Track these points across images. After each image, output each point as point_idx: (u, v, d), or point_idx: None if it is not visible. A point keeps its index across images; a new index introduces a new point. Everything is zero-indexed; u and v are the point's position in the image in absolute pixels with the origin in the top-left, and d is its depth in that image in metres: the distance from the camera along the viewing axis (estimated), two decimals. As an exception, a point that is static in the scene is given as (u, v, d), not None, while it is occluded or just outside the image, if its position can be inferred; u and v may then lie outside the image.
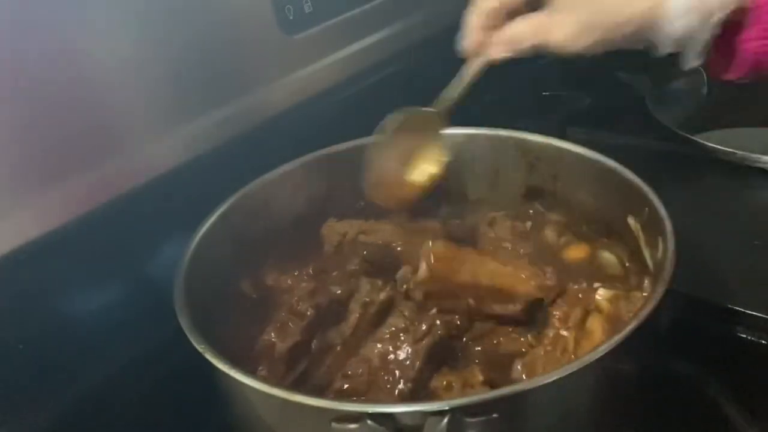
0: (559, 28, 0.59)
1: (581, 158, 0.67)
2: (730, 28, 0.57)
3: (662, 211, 0.57)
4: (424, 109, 0.67)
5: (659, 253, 0.56)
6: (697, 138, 0.85)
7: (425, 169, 0.69)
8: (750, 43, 0.56)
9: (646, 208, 0.59)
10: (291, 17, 0.73)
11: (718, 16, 0.56)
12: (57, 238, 0.57)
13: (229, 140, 0.69)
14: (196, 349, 0.50)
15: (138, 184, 0.62)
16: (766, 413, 0.60)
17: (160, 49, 0.63)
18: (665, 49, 0.58)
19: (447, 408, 0.43)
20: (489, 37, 0.62)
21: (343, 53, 0.79)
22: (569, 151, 0.68)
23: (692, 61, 0.59)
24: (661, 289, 0.51)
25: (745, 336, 0.63)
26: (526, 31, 0.60)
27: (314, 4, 0.75)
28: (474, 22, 0.63)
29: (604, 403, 0.51)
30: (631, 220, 0.62)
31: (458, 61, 0.66)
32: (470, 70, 0.65)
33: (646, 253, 0.60)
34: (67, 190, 0.58)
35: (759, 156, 0.80)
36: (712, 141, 0.83)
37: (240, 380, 0.48)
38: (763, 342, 0.62)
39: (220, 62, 0.68)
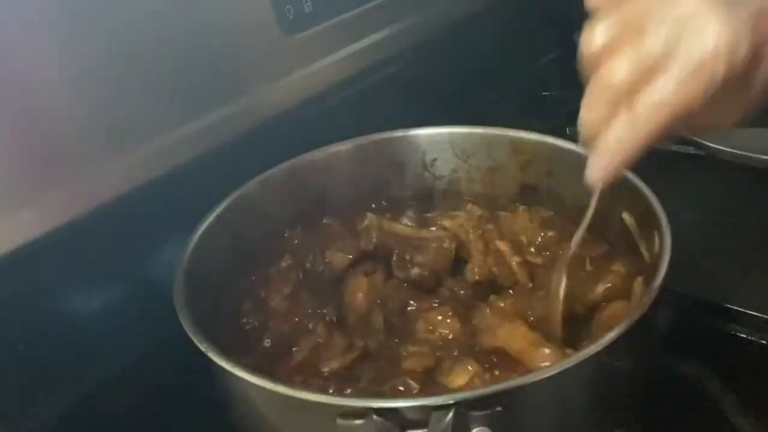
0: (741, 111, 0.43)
1: (575, 155, 0.67)
2: None
3: (657, 206, 0.58)
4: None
5: (655, 247, 0.56)
6: (698, 138, 0.85)
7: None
8: None
9: (641, 203, 0.60)
10: (291, 17, 0.73)
11: None
12: (57, 238, 0.57)
13: (229, 140, 0.69)
14: (195, 349, 0.50)
15: (138, 184, 0.62)
16: (766, 413, 0.60)
17: (160, 48, 0.63)
18: None
19: (452, 402, 0.43)
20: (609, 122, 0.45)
21: (343, 53, 0.79)
22: (563, 148, 0.68)
23: None
24: (658, 282, 0.51)
25: (744, 336, 0.63)
26: (669, 118, 0.43)
27: (314, 4, 0.75)
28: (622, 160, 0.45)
29: (604, 398, 0.51)
30: (626, 216, 0.63)
31: (458, 62, 0.66)
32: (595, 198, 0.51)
33: (642, 248, 0.60)
34: (68, 190, 0.58)
35: (759, 156, 0.80)
36: (713, 141, 0.83)
37: (243, 378, 0.48)
38: (763, 342, 0.63)
39: (220, 62, 0.68)
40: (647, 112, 0.43)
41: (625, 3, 0.43)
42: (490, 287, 0.62)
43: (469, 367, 0.53)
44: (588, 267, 0.63)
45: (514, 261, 0.64)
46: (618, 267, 0.61)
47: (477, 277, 0.62)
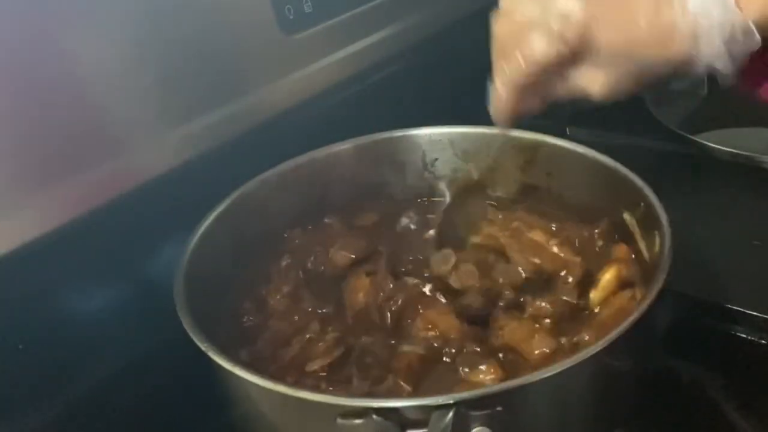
0: (596, 84, 0.58)
1: (575, 155, 0.67)
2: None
3: (657, 205, 0.58)
4: None
5: (656, 247, 0.56)
6: (697, 138, 0.85)
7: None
8: None
9: (642, 203, 0.60)
10: (291, 17, 0.73)
11: (748, 53, 0.56)
12: (57, 238, 0.57)
13: (229, 140, 0.69)
14: (195, 349, 0.50)
15: (138, 184, 0.62)
16: (765, 413, 0.60)
17: (160, 49, 0.63)
18: (695, 78, 0.60)
19: (452, 402, 0.43)
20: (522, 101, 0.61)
21: (343, 53, 0.79)
22: (563, 148, 0.69)
23: (723, 82, 0.58)
24: (659, 281, 0.51)
25: (744, 336, 0.63)
26: (561, 93, 0.61)
27: (314, 4, 0.75)
28: (509, 100, 0.61)
29: (604, 398, 0.51)
30: (626, 216, 0.63)
31: (458, 62, 0.66)
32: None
33: (643, 248, 0.60)
34: (67, 190, 0.58)
35: (759, 156, 0.80)
36: (712, 141, 0.83)
37: (244, 377, 0.48)
38: (763, 342, 0.63)
39: (220, 62, 0.68)
40: (509, 63, 0.59)
41: None
42: (539, 283, 0.61)
43: (492, 371, 0.53)
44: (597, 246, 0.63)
45: (553, 244, 0.62)
46: (622, 251, 0.62)
47: (524, 275, 0.61)
